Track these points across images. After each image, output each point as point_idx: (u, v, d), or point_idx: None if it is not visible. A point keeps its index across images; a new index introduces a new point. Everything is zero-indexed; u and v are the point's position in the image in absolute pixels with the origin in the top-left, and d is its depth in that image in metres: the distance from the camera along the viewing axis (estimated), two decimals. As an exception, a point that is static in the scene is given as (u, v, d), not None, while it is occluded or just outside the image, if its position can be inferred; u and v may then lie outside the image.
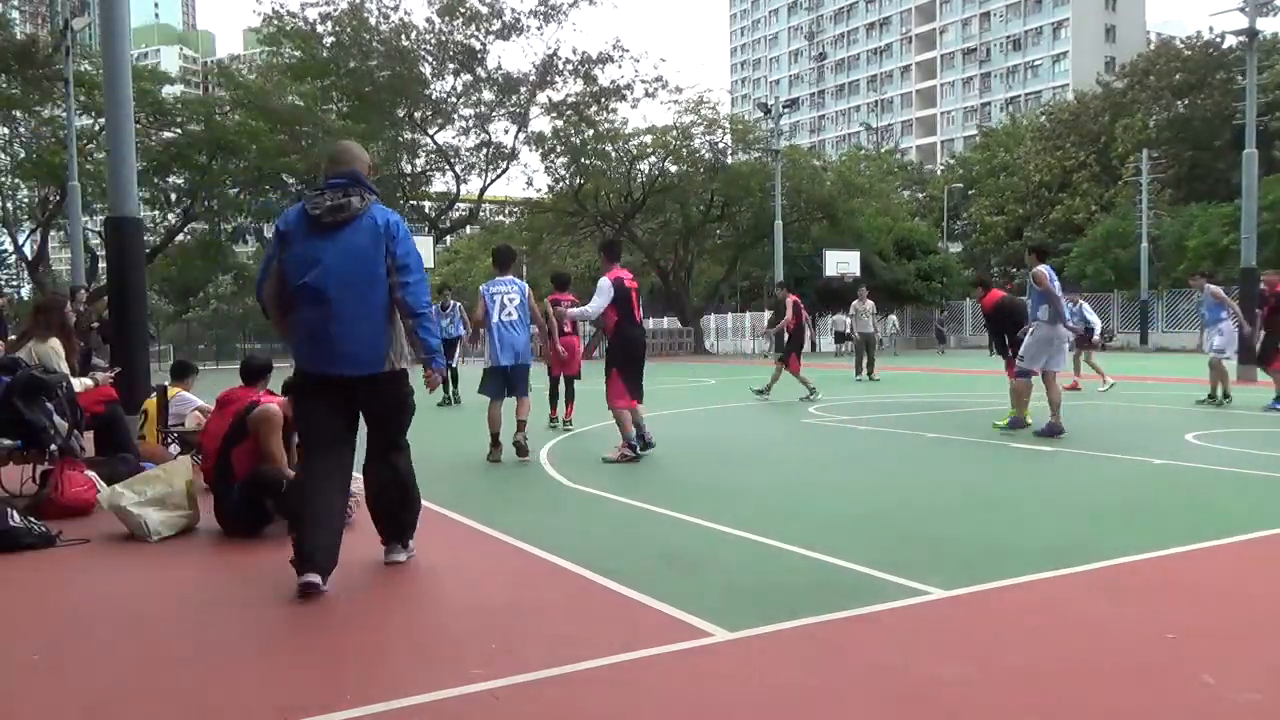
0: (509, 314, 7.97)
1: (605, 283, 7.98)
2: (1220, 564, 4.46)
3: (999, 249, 50.47)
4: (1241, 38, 22.57)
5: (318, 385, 4.18)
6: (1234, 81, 35.73)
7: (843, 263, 32.69)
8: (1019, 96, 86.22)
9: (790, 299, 14.07)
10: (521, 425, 8.12)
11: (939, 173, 66.47)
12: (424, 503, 4.83)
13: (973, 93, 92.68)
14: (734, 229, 41.36)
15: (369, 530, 5.11)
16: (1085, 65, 77.64)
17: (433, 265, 37.39)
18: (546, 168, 39.04)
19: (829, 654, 3.26)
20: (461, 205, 40.87)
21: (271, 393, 5.66)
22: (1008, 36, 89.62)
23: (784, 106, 35.41)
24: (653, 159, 39.52)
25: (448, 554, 4.86)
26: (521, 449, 7.99)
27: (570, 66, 36.63)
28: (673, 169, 39.50)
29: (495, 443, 8.04)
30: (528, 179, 56.32)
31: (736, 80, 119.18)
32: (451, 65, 36.49)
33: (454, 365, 14.35)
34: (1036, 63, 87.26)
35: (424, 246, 33.92)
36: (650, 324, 50.35)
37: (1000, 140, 58.85)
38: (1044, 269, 9.28)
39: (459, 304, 15.14)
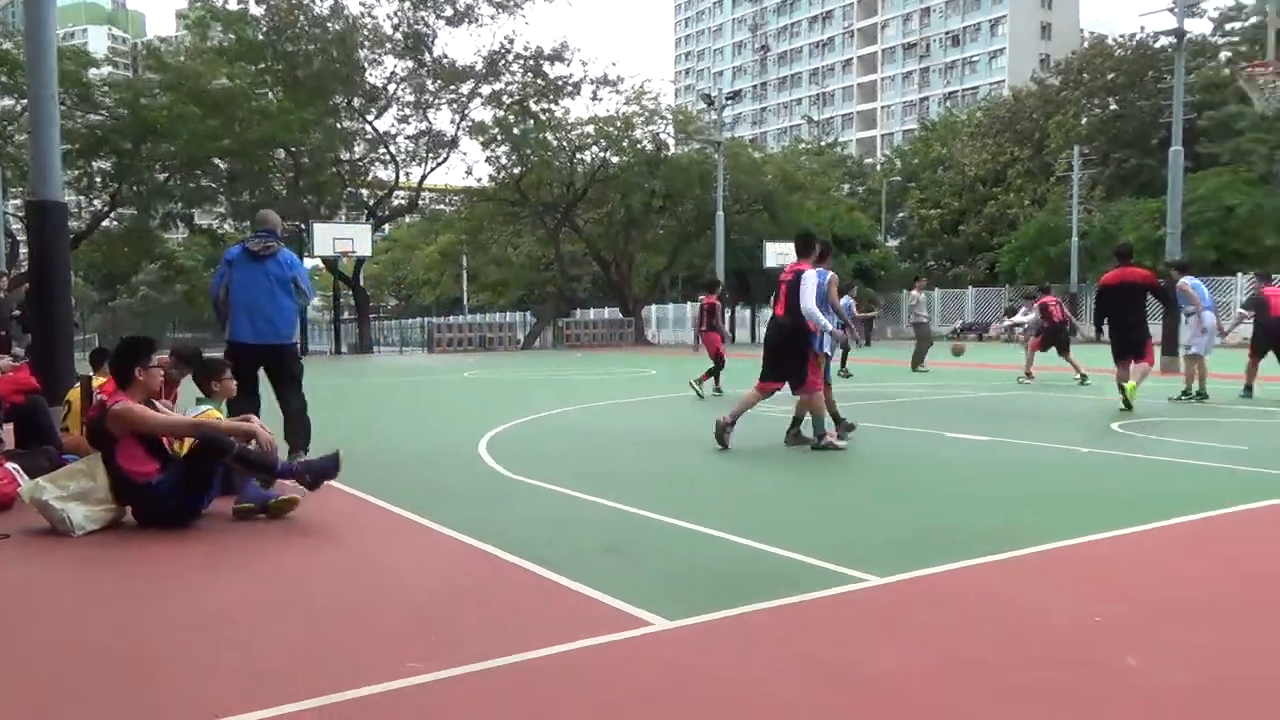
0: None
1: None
2: (1145, 548, 4.59)
3: (935, 243, 51.35)
4: (1171, 38, 23.23)
5: (249, 351, 6.71)
6: (1164, 80, 36.73)
7: (783, 254, 32.89)
8: (957, 92, 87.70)
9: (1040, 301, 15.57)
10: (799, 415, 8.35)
11: (878, 167, 67.33)
12: (362, 495, 5.92)
13: (912, 87, 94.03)
14: (676, 220, 41.43)
15: (299, 527, 5.03)
16: (1021, 62, 79.23)
17: (370, 253, 36.82)
18: (488, 157, 38.72)
19: (768, 642, 3.29)
20: (401, 193, 40.32)
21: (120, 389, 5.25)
22: (947, 32, 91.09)
23: (727, 98, 35.56)
24: (594, 149, 39.43)
25: (386, 547, 4.80)
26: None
27: (520, 60, 36.38)
28: (614, 160, 39.44)
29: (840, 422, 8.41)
30: (468, 168, 55.26)
31: (680, 71, 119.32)
32: (393, 49, 35.89)
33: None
34: (974, 59, 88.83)
35: (362, 235, 33.39)
36: (591, 314, 50.38)
37: (938, 135, 59.77)
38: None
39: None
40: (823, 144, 67.33)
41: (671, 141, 41.37)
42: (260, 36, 34.95)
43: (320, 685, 2.84)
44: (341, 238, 32.26)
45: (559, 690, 2.87)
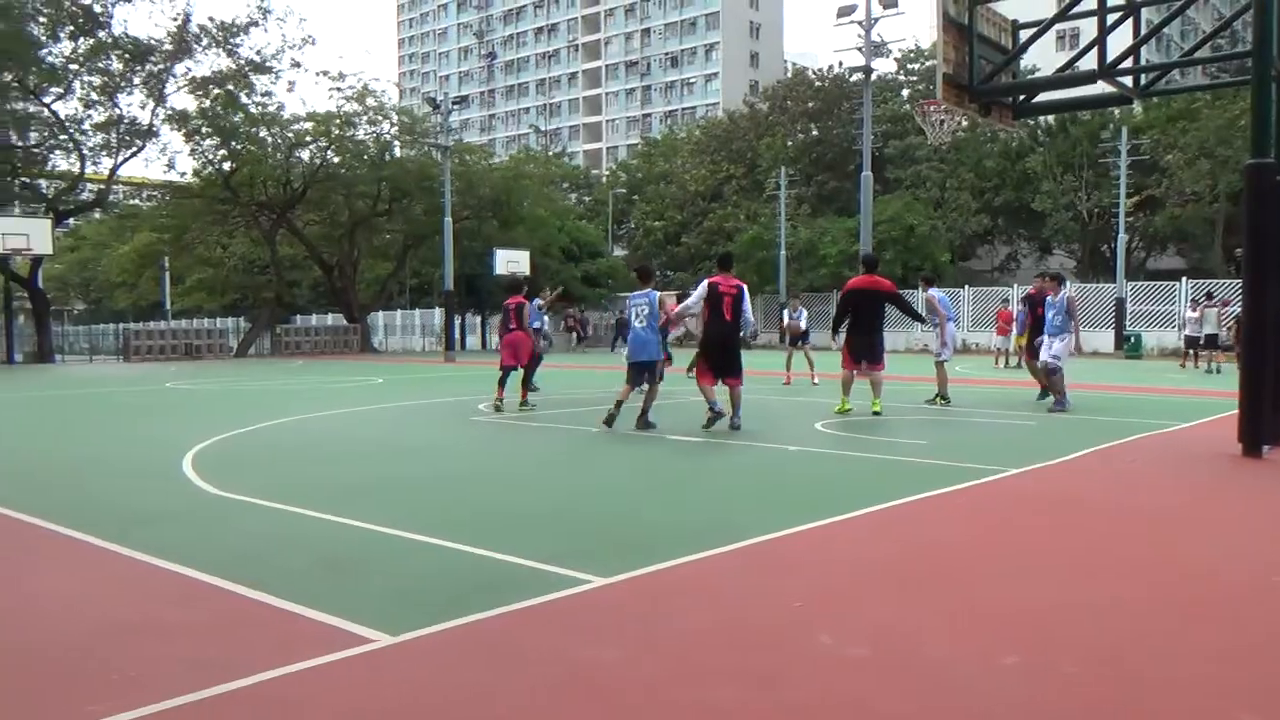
0: (640, 321, 9.66)
1: (704, 284, 9.64)
2: (841, 536, 5.02)
3: (659, 252, 53.51)
4: (860, 74, 25.69)
5: None
6: (857, 111, 40.47)
7: (512, 261, 32.97)
8: (676, 110, 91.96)
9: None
10: (646, 406, 9.73)
11: (604, 179, 69.22)
12: (39, 522, 5.23)
13: (635, 104, 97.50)
14: (404, 224, 40.34)
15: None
16: (734, 86, 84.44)
17: (52, 252, 32.93)
18: (192, 150, 35.71)
19: (495, 648, 3.27)
20: (90, 186, 36.28)
21: None
22: (666, 53, 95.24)
23: (453, 103, 35.13)
24: (314, 147, 37.53)
25: (64, 578, 4.29)
26: (647, 424, 9.49)
27: (208, 33, 33.73)
28: (336, 159, 37.76)
29: (618, 409, 9.66)
30: (169, 161, 49.75)
31: (405, 73, 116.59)
32: (69, 26, 32.20)
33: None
34: (692, 80, 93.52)
35: (40, 230, 29.81)
36: (313, 320, 47.98)
37: (661, 150, 62.42)
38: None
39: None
40: (551, 154, 68.19)
41: (397, 145, 40.21)
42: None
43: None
44: (14, 234, 28.58)
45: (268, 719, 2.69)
